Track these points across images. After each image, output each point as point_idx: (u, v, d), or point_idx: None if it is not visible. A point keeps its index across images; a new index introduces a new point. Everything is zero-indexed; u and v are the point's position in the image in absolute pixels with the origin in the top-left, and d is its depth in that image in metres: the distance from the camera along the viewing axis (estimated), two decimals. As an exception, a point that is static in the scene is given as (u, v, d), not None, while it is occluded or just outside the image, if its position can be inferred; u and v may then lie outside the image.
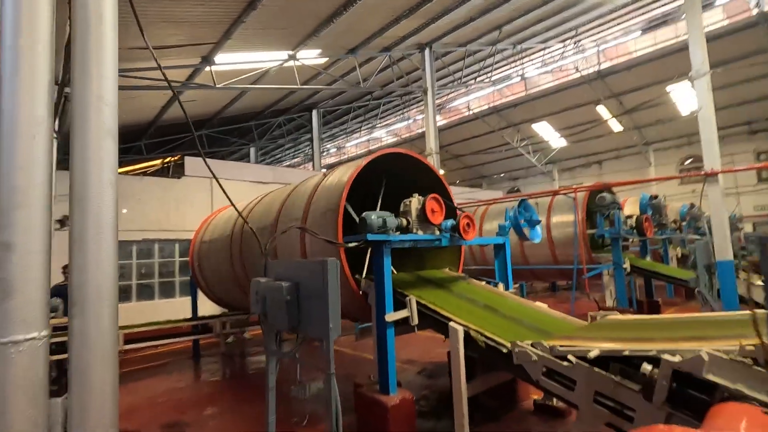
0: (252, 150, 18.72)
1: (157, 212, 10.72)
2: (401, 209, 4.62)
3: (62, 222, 9.36)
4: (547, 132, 23.20)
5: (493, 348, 3.64)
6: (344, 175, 4.88)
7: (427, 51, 11.59)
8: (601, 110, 20.02)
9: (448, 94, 21.73)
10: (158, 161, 12.95)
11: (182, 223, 11.08)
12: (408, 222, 4.45)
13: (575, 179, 25.80)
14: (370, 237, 3.94)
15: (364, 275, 4.82)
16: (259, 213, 6.47)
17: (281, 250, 5.41)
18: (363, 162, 4.88)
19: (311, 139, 15.96)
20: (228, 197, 3.49)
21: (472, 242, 5.07)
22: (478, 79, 15.89)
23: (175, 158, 12.06)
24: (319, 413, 4.95)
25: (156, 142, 12.66)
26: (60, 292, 7.18)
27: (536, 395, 5.14)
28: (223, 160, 12.53)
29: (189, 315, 9.08)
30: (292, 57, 9.04)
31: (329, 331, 2.37)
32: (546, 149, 24.25)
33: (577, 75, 18.65)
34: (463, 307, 4.35)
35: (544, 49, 16.49)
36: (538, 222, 5.83)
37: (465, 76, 15.59)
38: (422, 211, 4.47)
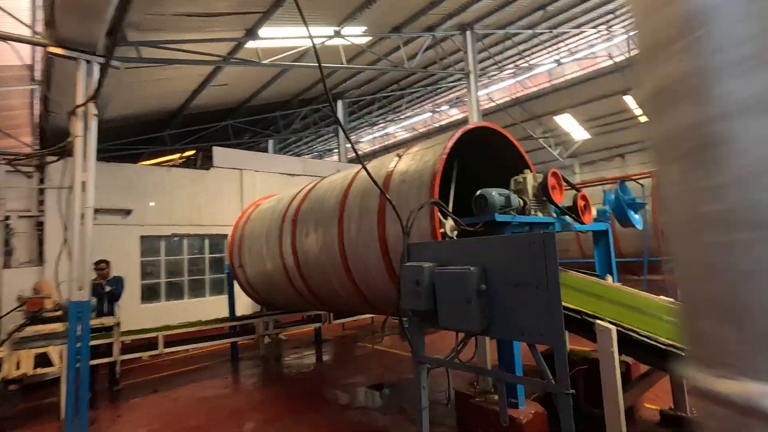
0: (270, 143, 18.06)
1: (185, 206, 10.07)
2: (512, 187, 3.95)
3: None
4: (569, 124, 22.46)
5: (650, 348, 3.00)
6: (436, 151, 4.20)
7: (468, 33, 10.91)
8: (629, 100, 19.30)
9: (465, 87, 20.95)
10: (182, 154, 12.33)
11: (212, 217, 10.43)
12: (525, 202, 3.78)
13: (597, 173, 25.08)
14: (499, 218, 3.26)
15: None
16: (317, 202, 5.81)
17: (354, 241, 4.72)
18: (458, 132, 4.19)
19: (336, 131, 15.28)
20: (358, 156, 2.78)
21: (583, 228, 4.39)
22: (518, 63, 15.16)
23: (195, 151, 11.40)
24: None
25: (180, 132, 12.02)
26: (95, 290, 6.54)
27: (655, 405, 4.46)
28: (251, 151, 11.84)
29: (219, 315, 8.45)
30: (338, 34, 8.38)
31: (556, 335, 1.70)
32: (567, 142, 23.50)
33: (609, 62, 17.91)
34: (596, 303, 3.67)
35: (578, 34, 15.77)
36: (643, 206, 5.13)
37: (504, 60, 14.90)
38: (541, 188, 3.79)
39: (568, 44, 17.91)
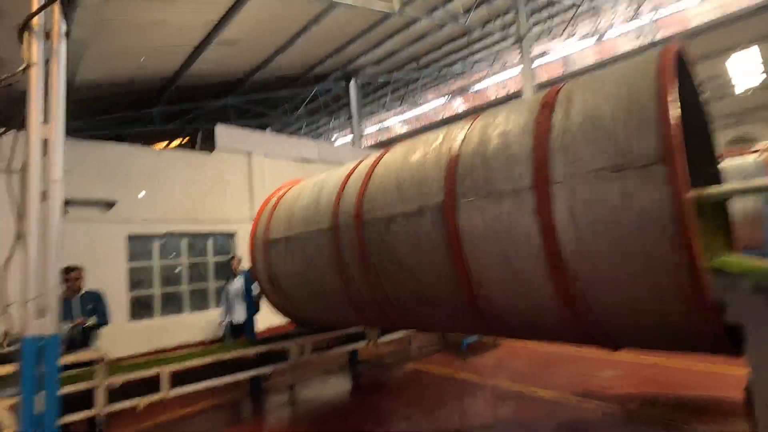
0: (267, 130, 16.05)
1: (183, 197, 8.06)
2: None
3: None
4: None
5: None
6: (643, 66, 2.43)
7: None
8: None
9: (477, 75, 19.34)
10: (173, 140, 10.26)
11: (216, 212, 8.44)
12: None
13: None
14: None
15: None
16: (390, 186, 3.96)
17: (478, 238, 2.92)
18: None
19: (349, 113, 13.43)
20: None
21: None
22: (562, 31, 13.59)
23: (194, 131, 9.37)
24: None
25: (171, 111, 9.99)
26: (65, 309, 4.60)
27: None
28: (261, 132, 9.88)
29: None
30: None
31: None
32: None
33: (633, 46, 16.57)
34: None
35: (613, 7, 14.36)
36: None
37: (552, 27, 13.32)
38: None
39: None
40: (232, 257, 7.16)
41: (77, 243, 6.72)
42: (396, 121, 24.11)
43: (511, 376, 6.05)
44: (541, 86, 11.72)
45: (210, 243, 8.61)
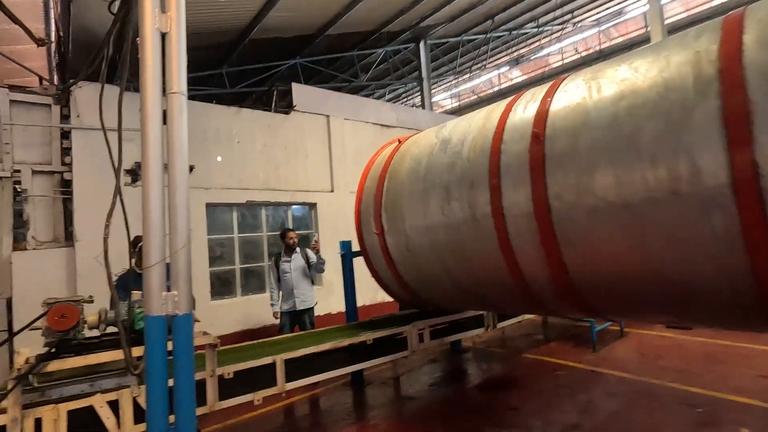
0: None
1: (260, 162, 7.23)
2: None
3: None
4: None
5: None
6: None
7: None
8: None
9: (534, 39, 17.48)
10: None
11: (294, 180, 7.57)
12: None
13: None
14: None
15: None
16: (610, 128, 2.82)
17: None
18: None
19: (419, 77, 12.23)
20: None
21: None
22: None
23: (268, 89, 8.47)
24: None
25: (239, 71, 9.19)
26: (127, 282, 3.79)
27: None
28: (339, 92, 8.89)
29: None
30: None
31: None
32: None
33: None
34: None
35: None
36: None
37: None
38: None
39: None
40: (288, 230, 6.12)
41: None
42: (465, 88, 22.54)
43: (672, 374, 4.87)
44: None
45: (289, 214, 7.78)
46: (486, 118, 3.77)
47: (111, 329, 3.12)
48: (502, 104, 3.78)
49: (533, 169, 3.02)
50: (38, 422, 2.78)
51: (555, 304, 3.44)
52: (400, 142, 5.10)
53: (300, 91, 7.85)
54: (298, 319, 5.76)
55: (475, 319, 5.57)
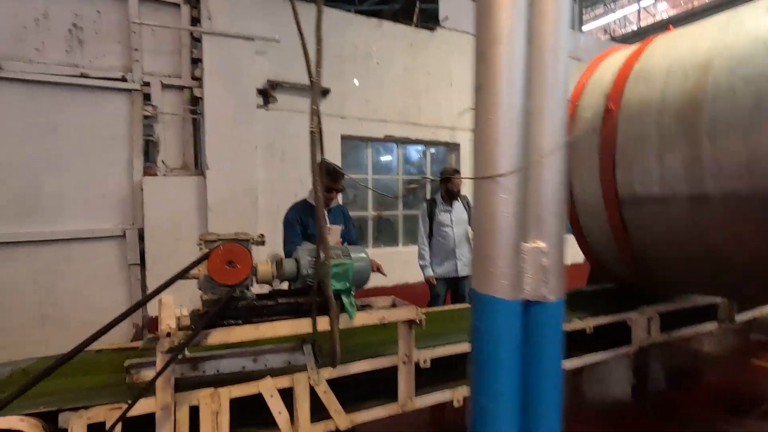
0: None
1: (399, 90, 5.95)
2: None
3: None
4: None
5: None
6: None
7: None
8: None
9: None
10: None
11: (437, 112, 6.23)
12: None
13: None
14: None
15: None
16: None
17: None
18: None
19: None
20: None
21: None
22: None
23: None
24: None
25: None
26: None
27: None
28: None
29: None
30: None
31: None
32: None
33: None
34: None
35: None
36: None
37: None
38: None
39: None
40: (454, 170, 4.72)
41: (286, 140, 5.08)
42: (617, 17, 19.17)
43: None
44: None
45: (427, 155, 6.54)
46: None
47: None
48: None
49: None
50: (192, 410, 1.91)
51: None
52: (643, 45, 3.43)
53: (448, 3, 6.30)
54: (456, 287, 4.59)
55: (708, 309, 3.97)
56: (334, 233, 2.87)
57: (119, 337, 4.06)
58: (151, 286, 4.36)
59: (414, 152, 6.58)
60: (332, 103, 5.36)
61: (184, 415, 1.86)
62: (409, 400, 2.38)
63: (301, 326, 1.94)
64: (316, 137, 1.76)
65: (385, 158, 6.34)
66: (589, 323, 3.14)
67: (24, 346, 3.97)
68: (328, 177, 3.07)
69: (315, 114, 1.74)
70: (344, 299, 2.00)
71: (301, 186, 4.73)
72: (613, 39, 16.88)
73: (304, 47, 1.87)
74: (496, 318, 1.49)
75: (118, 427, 1.71)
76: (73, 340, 1.70)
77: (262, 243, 1.94)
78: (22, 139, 3.99)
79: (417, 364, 2.43)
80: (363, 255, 2.18)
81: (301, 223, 3.13)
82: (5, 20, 3.94)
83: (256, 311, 1.91)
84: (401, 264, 5.62)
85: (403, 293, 4.28)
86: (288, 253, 2.82)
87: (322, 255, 1.88)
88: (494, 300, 1.46)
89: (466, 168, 6.49)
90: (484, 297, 1.50)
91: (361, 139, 5.78)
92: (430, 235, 4.58)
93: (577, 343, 3.18)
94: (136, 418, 1.78)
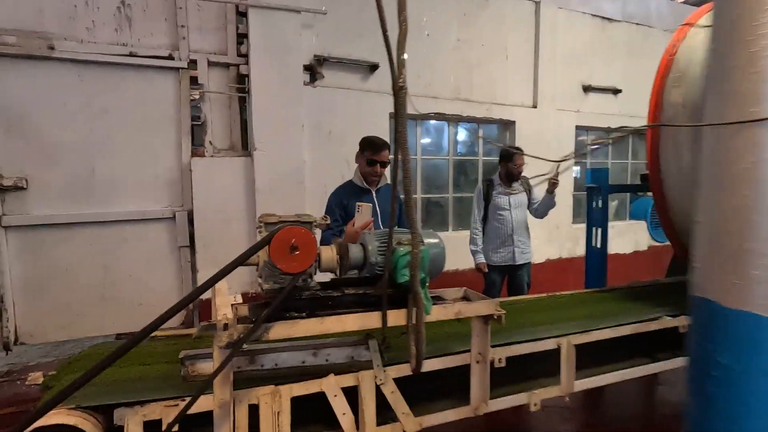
0: None
1: (449, 64, 5.57)
2: None
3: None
4: None
5: None
6: None
7: None
8: None
9: None
10: None
11: (491, 88, 5.81)
12: None
13: None
14: None
15: None
16: None
17: None
18: None
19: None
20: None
21: None
22: None
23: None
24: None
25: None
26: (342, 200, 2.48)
27: None
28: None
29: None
30: None
31: None
32: None
33: None
34: None
35: None
36: None
37: None
38: None
39: None
40: (517, 149, 4.32)
41: (334, 117, 4.84)
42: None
43: None
44: None
45: (481, 135, 6.15)
46: None
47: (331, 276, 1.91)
48: None
49: None
50: (251, 409, 1.74)
51: None
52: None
53: (504, -34, 5.79)
54: (513, 276, 4.25)
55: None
56: (365, 212, 2.62)
57: (170, 320, 4.05)
58: (201, 269, 4.31)
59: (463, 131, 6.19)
60: (382, 78, 5.07)
61: (243, 414, 1.70)
62: (483, 403, 2.13)
63: (370, 320, 1.72)
64: (403, 93, 1.43)
65: (433, 138, 6.00)
66: (683, 321, 2.75)
67: (83, 325, 4.05)
68: (369, 148, 2.84)
69: (401, 65, 1.40)
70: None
71: (348, 167, 4.51)
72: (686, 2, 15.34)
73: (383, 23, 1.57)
74: (758, 343, 1.11)
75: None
76: (129, 321, 1.59)
77: (327, 227, 1.72)
78: (75, 120, 3.98)
79: (491, 363, 2.16)
80: (437, 241, 1.92)
81: (342, 206, 2.89)
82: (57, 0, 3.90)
83: (321, 303, 1.70)
84: (452, 250, 5.31)
85: (453, 281, 4.02)
86: (322, 241, 2.64)
87: (395, 241, 1.63)
88: (753, 318, 1.09)
89: (522, 147, 6.05)
90: (733, 313, 1.13)
91: (411, 117, 5.46)
92: (485, 219, 4.25)
93: (661, 344, 2.80)
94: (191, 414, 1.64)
